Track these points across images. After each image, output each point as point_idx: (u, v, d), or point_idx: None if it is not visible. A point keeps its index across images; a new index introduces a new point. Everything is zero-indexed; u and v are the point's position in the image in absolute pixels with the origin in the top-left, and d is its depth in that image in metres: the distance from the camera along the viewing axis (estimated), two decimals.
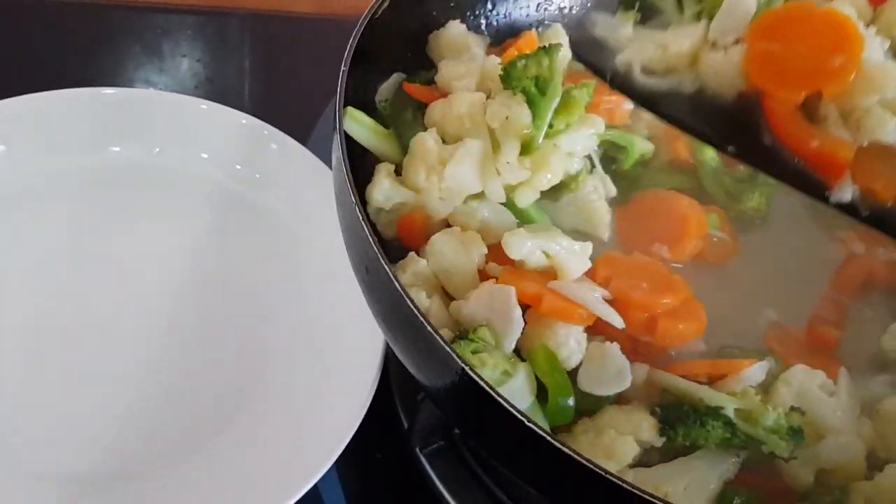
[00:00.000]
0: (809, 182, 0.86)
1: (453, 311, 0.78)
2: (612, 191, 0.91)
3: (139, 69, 1.29)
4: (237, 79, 1.35)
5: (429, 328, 0.66)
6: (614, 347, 0.76)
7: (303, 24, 1.45)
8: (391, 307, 0.73)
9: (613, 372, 0.75)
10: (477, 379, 0.63)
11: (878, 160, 0.82)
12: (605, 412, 0.74)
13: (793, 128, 0.84)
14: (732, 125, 0.94)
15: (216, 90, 1.29)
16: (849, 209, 0.87)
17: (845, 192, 0.87)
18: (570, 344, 0.76)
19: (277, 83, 1.35)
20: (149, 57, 1.32)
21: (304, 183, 0.99)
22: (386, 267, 0.69)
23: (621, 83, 0.97)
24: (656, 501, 0.59)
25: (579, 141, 0.87)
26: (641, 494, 0.60)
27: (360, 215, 0.71)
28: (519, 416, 0.61)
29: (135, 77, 1.28)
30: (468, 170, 0.82)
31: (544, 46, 0.82)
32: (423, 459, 0.91)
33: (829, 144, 0.85)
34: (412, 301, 0.67)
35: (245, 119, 1.02)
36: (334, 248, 0.92)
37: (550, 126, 0.83)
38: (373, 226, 0.81)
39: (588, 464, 0.61)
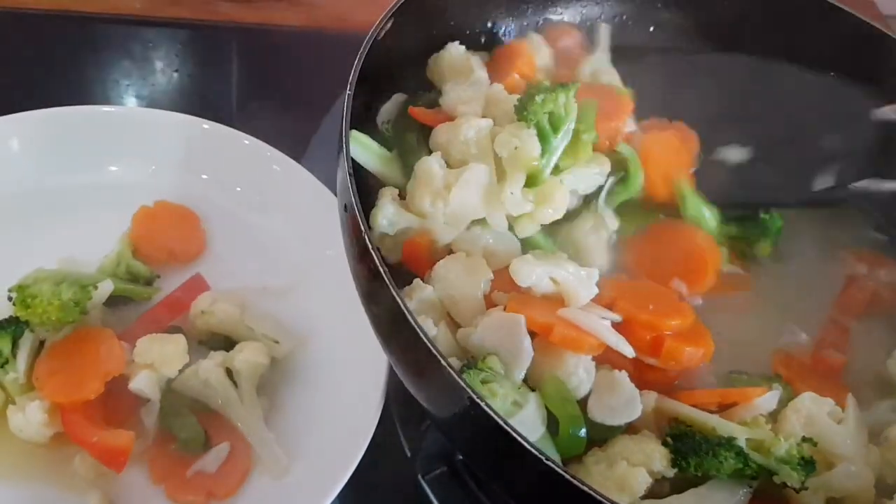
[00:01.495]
0: None
1: (461, 339, 0.77)
2: (613, 224, 0.90)
3: (128, 84, 1.27)
4: (227, 94, 1.33)
5: (441, 360, 0.64)
6: (623, 376, 0.75)
7: (292, 38, 1.43)
8: (400, 337, 0.72)
9: (624, 400, 0.74)
10: (490, 413, 0.62)
11: None
12: (616, 442, 0.74)
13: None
14: None
15: (206, 105, 1.27)
16: None
17: None
18: (580, 373, 0.75)
19: (268, 98, 1.33)
20: (138, 71, 1.30)
21: (305, 206, 0.98)
22: (397, 298, 0.67)
23: None
24: None
25: (585, 180, 0.86)
26: None
27: (369, 245, 0.70)
28: (534, 451, 0.61)
29: (124, 92, 1.25)
30: (473, 195, 0.81)
31: (564, 84, 0.82)
32: (425, 486, 0.90)
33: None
34: (424, 332, 0.66)
35: (248, 140, 1.00)
36: (335, 272, 0.92)
37: (556, 165, 0.83)
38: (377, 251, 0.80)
39: (605, 500, 0.60)
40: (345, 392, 0.89)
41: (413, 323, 0.66)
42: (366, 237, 0.70)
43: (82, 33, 1.34)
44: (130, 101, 1.24)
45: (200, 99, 1.29)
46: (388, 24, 0.88)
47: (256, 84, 1.35)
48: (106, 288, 0.87)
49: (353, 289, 0.80)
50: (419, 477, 0.91)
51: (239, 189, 1.02)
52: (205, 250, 1.00)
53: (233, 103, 1.32)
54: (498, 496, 0.90)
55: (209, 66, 1.36)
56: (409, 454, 0.91)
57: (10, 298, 0.83)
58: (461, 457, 0.90)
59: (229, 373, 0.88)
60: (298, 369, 0.93)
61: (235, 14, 1.42)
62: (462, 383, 0.64)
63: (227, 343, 0.91)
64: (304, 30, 1.43)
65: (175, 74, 1.30)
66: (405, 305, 0.67)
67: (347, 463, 0.81)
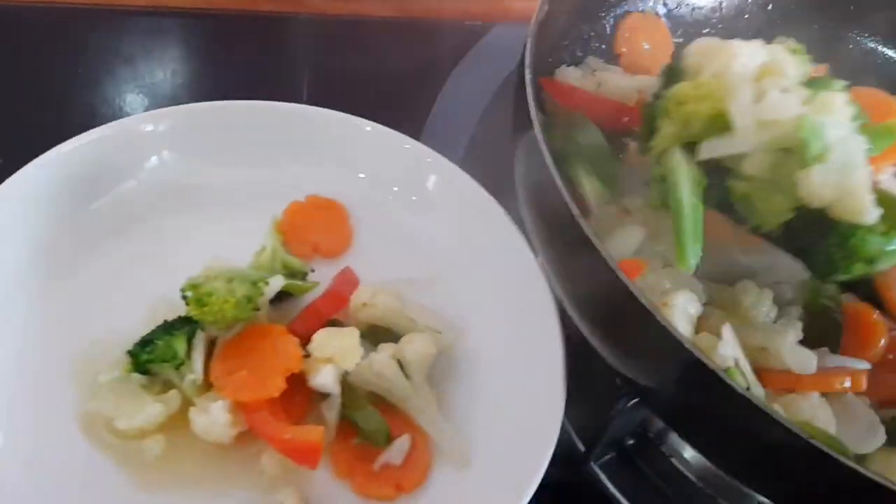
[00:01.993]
0: None
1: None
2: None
3: (227, 76, 1.26)
4: (324, 85, 1.31)
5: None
6: (855, 401, 0.74)
7: (384, 28, 1.42)
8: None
9: (865, 426, 0.73)
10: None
11: None
12: (874, 458, 0.73)
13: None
14: None
15: (304, 96, 1.26)
16: None
17: None
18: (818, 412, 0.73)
19: (369, 88, 1.30)
20: (233, 64, 1.29)
21: (463, 208, 0.97)
22: (621, 278, 0.66)
23: None
24: None
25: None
26: None
27: (582, 226, 0.69)
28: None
29: (224, 86, 1.23)
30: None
31: None
32: (598, 470, 0.90)
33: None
34: (663, 317, 0.64)
35: (409, 143, 1.00)
36: (495, 275, 0.93)
37: None
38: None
39: None
40: (513, 383, 0.87)
41: (646, 305, 0.65)
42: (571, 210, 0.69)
43: (178, 30, 1.33)
44: (231, 96, 1.22)
45: (298, 90, 1.27)
46: (546, 7, 0.87)
47: (353, 75, 1.33)
48: (276, 284, 0.86)
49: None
50: (591, 464, 0.90)
51: (396, 189, 1.01)
52: (350, 245, 0.99)
53: (329, 94, 1.29)
54: (664, 473, 0.90)
55: (303, 58, 1.34)
56: (582, 449, 0.90)
57: (183, 297, 0.82)
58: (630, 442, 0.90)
59: (399, 364, 0.87)
60: (460, 360, 0.92)
61: (326, 7, 1.40)
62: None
63: (388, 335, 0.90)
64: (396, 20, 1.42)
65: (268, 67, 1.29)
66: (628, 283, 0.65)
67: (539, 456, 0.79)
